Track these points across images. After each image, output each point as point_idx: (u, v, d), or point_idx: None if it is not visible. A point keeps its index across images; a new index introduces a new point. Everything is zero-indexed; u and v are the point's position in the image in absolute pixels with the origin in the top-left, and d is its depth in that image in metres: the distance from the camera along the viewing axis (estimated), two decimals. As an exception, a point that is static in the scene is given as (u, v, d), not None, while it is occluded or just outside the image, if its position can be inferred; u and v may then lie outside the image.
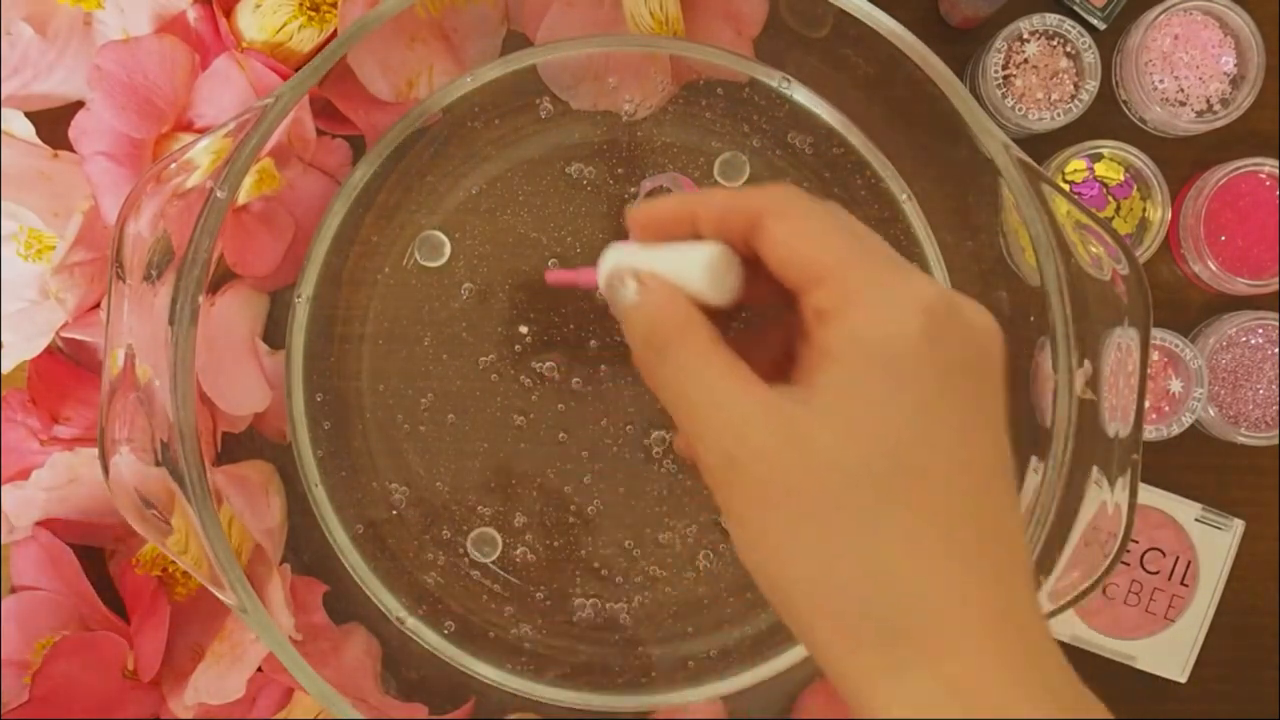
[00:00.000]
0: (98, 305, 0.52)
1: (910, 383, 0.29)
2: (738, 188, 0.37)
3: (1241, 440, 0.57)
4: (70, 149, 0.49)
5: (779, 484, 0.29)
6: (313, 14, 0.49)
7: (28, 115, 0.51)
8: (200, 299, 0.42)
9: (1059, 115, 0.55)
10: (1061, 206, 0.45)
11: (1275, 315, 0.57)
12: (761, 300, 0.34)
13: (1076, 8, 0.57)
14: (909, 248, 0.53)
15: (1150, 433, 0.56)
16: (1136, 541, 0.58)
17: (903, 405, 0.29)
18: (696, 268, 0.33)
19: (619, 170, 0.53)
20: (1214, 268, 0.56)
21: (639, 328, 0.33)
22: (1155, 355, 0.57)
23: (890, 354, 0.29)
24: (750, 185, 0.53)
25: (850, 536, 0.29)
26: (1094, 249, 0.45)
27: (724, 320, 0.34)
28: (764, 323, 0.35)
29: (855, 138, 0.53)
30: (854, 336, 0.30)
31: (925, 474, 0.29)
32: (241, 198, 0.48)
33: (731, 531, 0.32)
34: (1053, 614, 0.45)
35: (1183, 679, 0.58)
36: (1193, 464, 0.58)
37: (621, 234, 0.52)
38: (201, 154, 0.43)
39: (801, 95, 0.53)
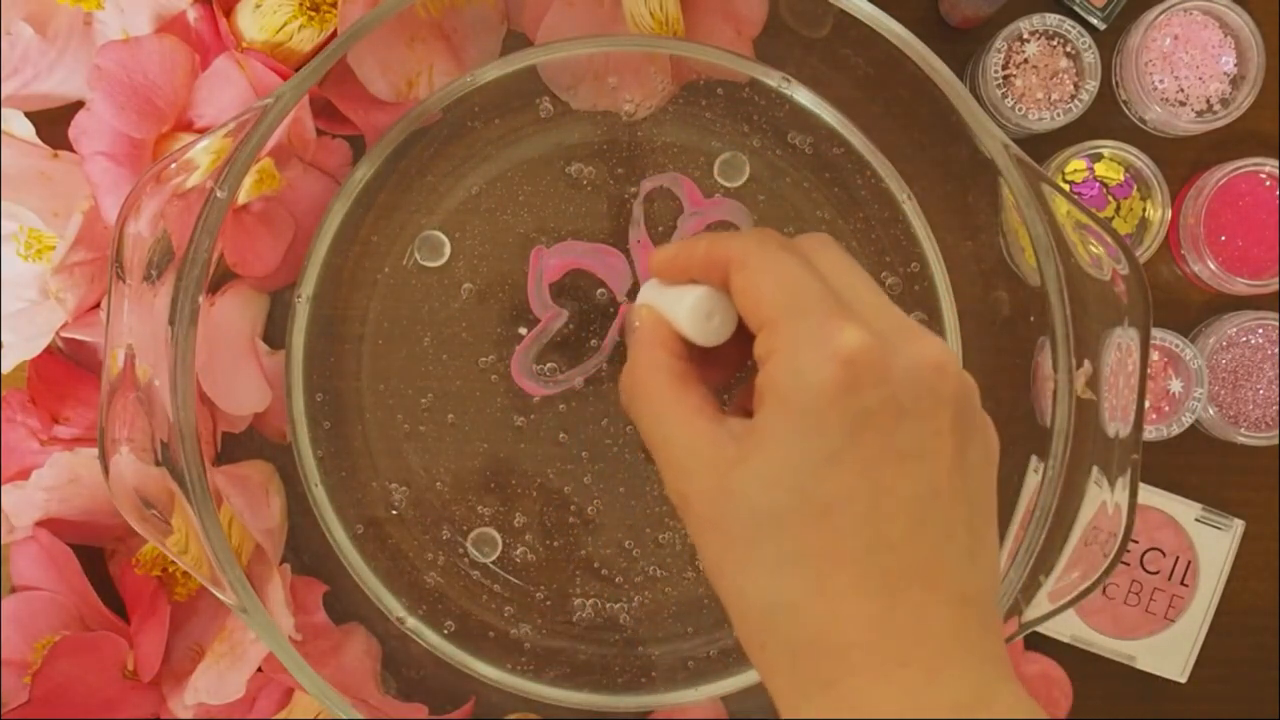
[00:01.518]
0: (98, 305, 0.52)
1: (818, 430, 0.31)
2: (724, 235, 0.39)
3: (1241, 440, 0.57)
4: (70, 149, 0.49)
5: (713, 519, 0.32)
6: (313, 14, 0.49)
7: (28, 115, 0.51)
8: (200, 299, 0.42)
9: (1059, 115, 0.55)
10: (1061, 206, 0.45)
11: (1275, 315, 0.57)
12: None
13: (1076, 8, 0.57)
14: (909, 248, 0.53)
15: (1150, 433, 0.56)
16: (1136, 541, 0.58)
17: (810, 452, 0.31)
18: (681, 309, 0.35)
19: (619, 170, 0.53)
20: (1214, 268, 0.56)
21: (627, 362, 0.36)
22: (1155, 355, 0.57)
23: (801, 402, 0.31)
24: (750, 184, 0.53)
25: (763, 573, 0.31)
26: (1094, 249, 0.45)
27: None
28: None
29: (855, 138, 0.53)
30: (772, 384, 0.31)
31: (830, 517, 0.30)
32: (241, 198, 0.48)
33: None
34: (1052, 614, 0.45)
35: (1183, 679, 0.58)
36: (1193, 464, 0.58)
37: (620, 235, 0.52)
38: (201, 154, 0.43)
39: (801, 95, 0.53)
